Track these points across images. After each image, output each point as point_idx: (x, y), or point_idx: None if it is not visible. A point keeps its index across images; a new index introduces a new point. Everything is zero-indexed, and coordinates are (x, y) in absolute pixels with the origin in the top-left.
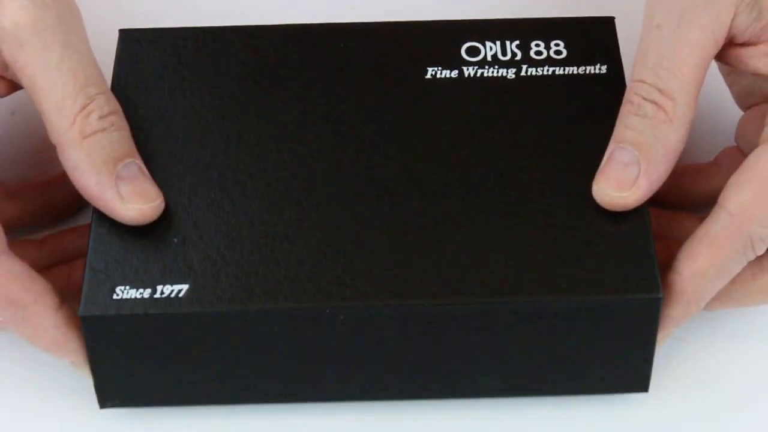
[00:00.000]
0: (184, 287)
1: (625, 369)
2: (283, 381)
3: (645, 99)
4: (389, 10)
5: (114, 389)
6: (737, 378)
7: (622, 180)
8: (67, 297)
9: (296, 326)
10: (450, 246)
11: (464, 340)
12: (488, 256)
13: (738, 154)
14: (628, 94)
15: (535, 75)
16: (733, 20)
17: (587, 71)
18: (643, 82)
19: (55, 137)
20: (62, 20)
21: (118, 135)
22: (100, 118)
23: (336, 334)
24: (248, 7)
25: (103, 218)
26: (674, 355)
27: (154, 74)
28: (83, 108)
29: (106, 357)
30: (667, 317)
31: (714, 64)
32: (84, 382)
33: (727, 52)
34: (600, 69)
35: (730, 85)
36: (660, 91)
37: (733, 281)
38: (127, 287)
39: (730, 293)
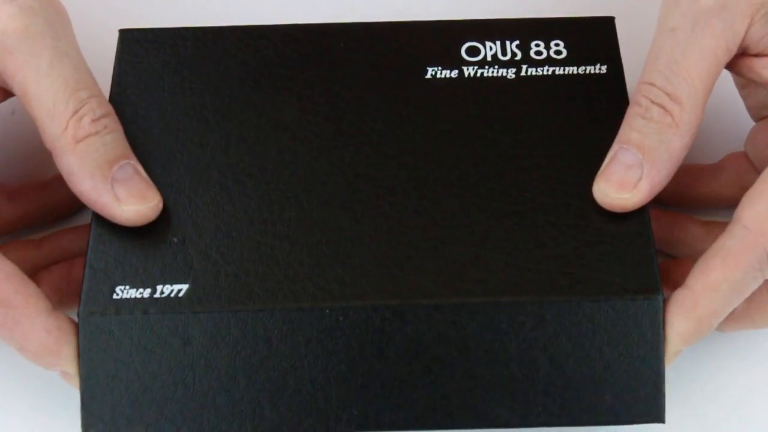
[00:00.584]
0: (184, 287)
1: (637, 390)
2: (281, 398)
3: (653, 102)
4: (389, 10)
5: (102, 409)
6: (756, 405)
7: (624, 182)
8: (63, 301)
9: (296, 327)
10: (450, 246)
11: (464, 344)
12: (488, 256)
13: (744, 160)
14: (636, 96)
15: (535, 75)
16: (747, 30)
17: (587, 71)
18: (653, 84)
19: (48, 143)
20: (51, 26)
21: (111, 137)
22: (93, 121)
23: (336, 336)
24: (248, 7)
25: (103, 218)
26: (688, 385)
27: (154, 74)
28: (75, 112)
29: (101, 365)
30: (677, 334)
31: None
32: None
33: (739, 62)
34: (600, 69)
35: (745, 98)
36: (668, 95)
37: (748, 302)
38: (127, 287)
39: (745, 314)
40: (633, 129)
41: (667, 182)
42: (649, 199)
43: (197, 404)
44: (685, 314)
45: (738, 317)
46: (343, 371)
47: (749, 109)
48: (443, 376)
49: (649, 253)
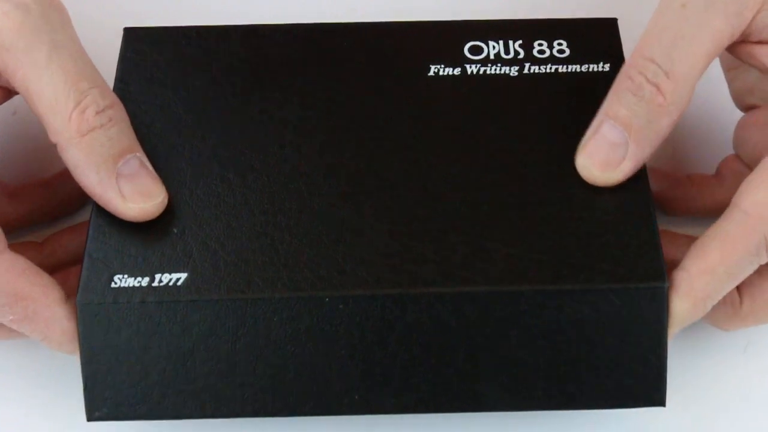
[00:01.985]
0: (183, 276)
1: (638, 374)
2: (282, 383)
3: (648, 81)
4: (390, 10)
5: (104, 393)
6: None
7: (608, 161)
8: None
9: (295, 315)
10: (451, 235)
11: (465, 332)
12: (490, 245)
13: (738, 163)
14: (629, 69)
15: (538, 72)
16: (754, 17)
17: (590, 69)
18: (651, 60)
19: (53, 137)
20: (47, 21)
21: (116, 130)
22: (97, 113)
23: (336, 324)
24: (251, 7)
25: (103, 209)
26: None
27: (157, 71)
28: (77, 104)
29: (101, 351)
30: (672, 316)
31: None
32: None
33: (739, 48)
34: (603, 67)
35: (731, 81)
36: (666, 73)
37: (752, 300)
38: (126, 276)
39: (750, 312)
40: (622, 104)
41: (649, 158)
42: (631, 175)
43: (198, 389)
44: (681, 296)
45: (744, 316)
46: (344, 358)
47: (735, 92)
48: (443, 363)
49: (654, 241)
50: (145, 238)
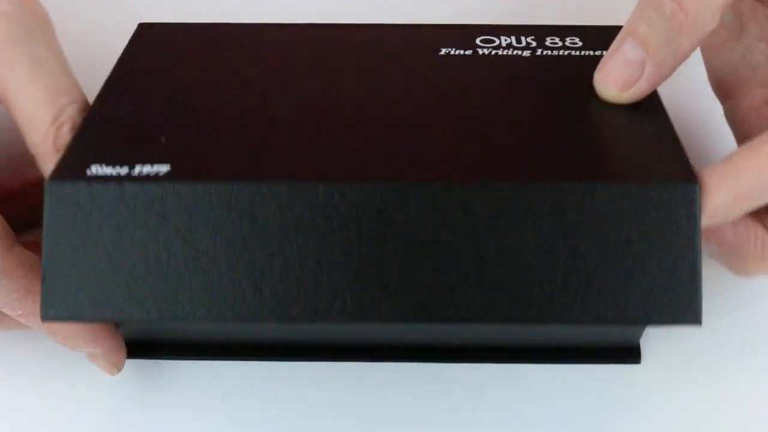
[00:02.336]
0: (165, 168)
1: (669, 287)
2: (266, 283)
3: None
4: (395, 14)
5: (65, 289)
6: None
7: (625, 80)
8: None
9: (285, 206)
10: (463, 126)
11: (474, 231)
12: (505, 136)
13: None
14: None
15: (551, 55)
16: None
17: (603, 54)
18: None
19: (32, 149)
20: (28, 31)
21: None
22: (73, 129)
23: (329, 217)
24: (259, 6)
25: (94, 122)
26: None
27: (161, 62)
28: (54, 120)
29: (66, 241)
30: (705, 207)
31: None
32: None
33: None
34: None
35: (711, 60)
36: None
37: None
38: (104, 165)
39: None
40: (642, 20)
41: (666, 79)
42: (646, 95)
43: (171, 287)
44: (723, 188)
45: None
46: (337, 255)
47: (714, 73)
48: (449, 265)
49: (680, 150)
50: (131, 141)
